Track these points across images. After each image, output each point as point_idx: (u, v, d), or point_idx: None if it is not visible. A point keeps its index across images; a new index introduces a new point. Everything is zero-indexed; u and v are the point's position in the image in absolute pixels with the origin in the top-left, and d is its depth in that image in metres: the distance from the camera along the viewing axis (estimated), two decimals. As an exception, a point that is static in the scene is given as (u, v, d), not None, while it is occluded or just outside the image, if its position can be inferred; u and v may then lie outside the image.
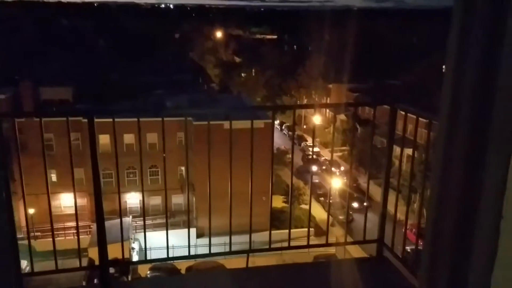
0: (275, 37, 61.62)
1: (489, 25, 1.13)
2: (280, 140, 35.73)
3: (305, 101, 47.49)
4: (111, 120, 3.07)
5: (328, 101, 44.10)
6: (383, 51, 44.49)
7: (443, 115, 1.18)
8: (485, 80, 1.12)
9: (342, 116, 33.43)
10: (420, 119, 3.15)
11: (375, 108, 3.64)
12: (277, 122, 38.56)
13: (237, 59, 55.19)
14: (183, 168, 23.17)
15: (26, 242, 3.14)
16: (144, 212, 8.32)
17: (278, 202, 25.32)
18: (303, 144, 37.49)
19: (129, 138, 20.24)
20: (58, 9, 53.04)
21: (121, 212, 3.38)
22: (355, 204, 24.74)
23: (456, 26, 1.19)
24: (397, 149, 3.55)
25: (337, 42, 39.11)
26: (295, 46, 55.37)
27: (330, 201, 4.07)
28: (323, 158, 32.76)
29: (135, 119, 3.22)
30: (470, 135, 1.14)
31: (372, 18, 47.95)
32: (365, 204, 4.14)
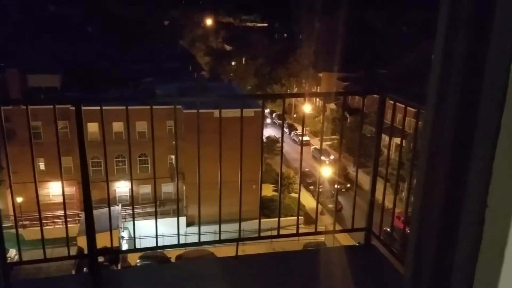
0: (265, 25, 61.25)
1: (477, 14, 1.14)
2: (270, 129, 35.76)
3: (295, 90, 47.47)
4: (99, 108, 3.05)
5: (318, 90, 44.13)
6: (374, 40, 44.52)
7: (430, 104, 1.19)
8: (473, 69, 1.13)
9: (332, 105, 33.53)
10: (409, 108, 3.18)
11: (364, 97, 3.66)
12: (267, 110, 38.51)
13: (228, 47, 54.82)
14: (173, 156, 23.11)
15: (14, 231, 3.12)
16: (133, 201, 8.30)
17: (268, 190, 25.43)
18: (293, 133, 37.59)
19: (118, 126, 20.08)
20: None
21: (109, 201, 3.37)
22: (344, 193, 24.94)
23: (444, 14, 1.20)
24: (386, 138, 3.58)
25: (328, 31, 39.03)
26: (285, 35, 55.13)
27: (320, 189, 4.10)
28: (313, 147, 32.90)
29: (124, 107, 3.20)
30: (456, 124, 1.16)
31: (363, 6, 47.76)
32: (353, 190, 4.18)
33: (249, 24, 62.22)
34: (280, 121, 39.35)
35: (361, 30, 45.07)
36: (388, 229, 3.44)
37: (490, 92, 1.07)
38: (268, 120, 41.15)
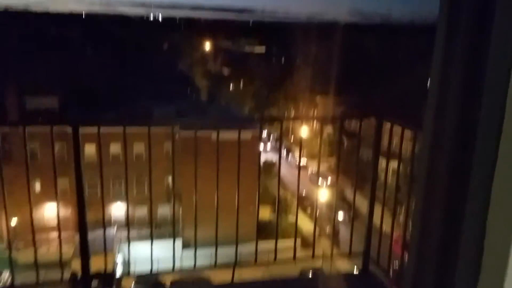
0: (263, 49, 62.04)
1: (473, 39, 1.16)
2: (268, 152, 35.75)
3: (292, 113, 47.74)
4: (97, 129, 3.05)
5: (315, 113, 44.38)
6: (370, 64, 45.11)
7: (427, 127, 1.20)
8: (470, 93, 1.14)
9: (329, 128, 33.65)
10: (406, 131, 3.19)
11: (361, 121, 3.68)
12: (265, 132, 38.64)
13: (226, 70, 55.39)
14: (170, 177, 23.03)
15: (8, 252, 3.07)
16: (128, 225, 8.17)
17: (266, 212, 25.27)
18: (290, 155, 37.58)
19: (115, 147, 20.06)
20: (45, 18, 52.75)
21: (104, 224, 3.34)
22: (341, 216, 24.80)
23: (441, 40, 1.22)
24: (383, 162, 3.58)
25: (325, 56, 39.51)
26: (283, 59, 55.79)
27: (317, 213, 4.07)
28: (310, 170, 32.87)
29: (122, 128, 3.20)
30: (454, 149, 1.16)
31: (359, 33, 48.68)
32: (351, 216, 4.15)
33: (247, 48, 63.02)
34: (280, 140, 39.41)
35: (357, 54, 45.69)
36: (387, 255, 3.41)
37: (487, 117, 1.08)
38: (268, 144, 41.20)
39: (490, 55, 1.08)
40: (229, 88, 49.74)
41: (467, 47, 1.16)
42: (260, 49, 61.48)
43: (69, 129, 2.91)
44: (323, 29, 43.48)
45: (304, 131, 34.84)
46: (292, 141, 43.19)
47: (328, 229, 21.60)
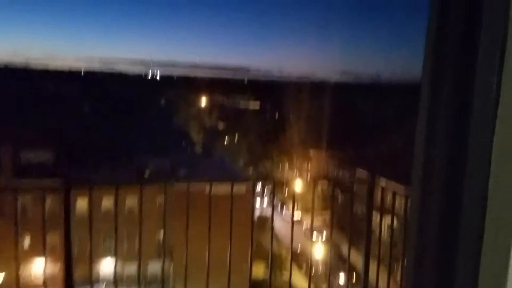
0: (257, 106, 63.32)
1: (456, 96, 1.21)
2: (262, 209, 35.39)
3: (286, 166, 47.92)
4: (90, 185, 3.05)
5: (309, 167, 44.61)
6: (362, 121, 46.06)
7: (415, 184, 1.23)
8: (456, 149, 1.18)
9: (324, 182, 33.60)
10: (399, 186, 3.21)
11: (353, 182, 3.71)
12: (259, 184, 38.45)
13: (221, 125, 56.17)
14: (162, 231, 22.58)
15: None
16: (116, 282, 7.86)
17: (259, 269, 24.61)
18: (284, 210, 37.24)
19: (108, 202, 19.82)
20: (44, 75, 54.00)
21: (92, 281, 3.25)
22: (337, 273, 24.16)
23: (425, 98, 1.27)
24: (379, 217, 3.58)
25: (317, 112, 40.41)
26: (276, 115, 56.81)
27: (312, 270, 3.97)
28: (304, 225, 32.46)
29: (115, 183, 3.20)
30: (442, 205, 1.18)
31: (350, 91, 50.25)
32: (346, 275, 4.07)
33: (242, 104, 64.30)
34: (273, 195, 39.10)
35: (349, 113, 46.74)
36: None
37: (474, 172, 1.11)
38: (262, 198, 40.93)
39: (474, 112, 1.13)
40: (224, 142, 50.25)
41: (451, 105, 1.21)
42: (254, 105, 62.76)
43: (61, 186, 2.91)
44: (315, 87, 44.90)
45: (298, 184, 34.78)
46: (286, 195, 42.97)
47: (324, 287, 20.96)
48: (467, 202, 1.11)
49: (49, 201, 3.09)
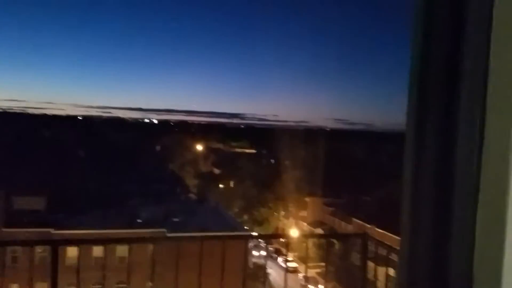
0: (253, 151, 63.57)
1: (440, 146, 1.23)
2: (257, 256, 34.67)
3: (282, 213, 47.50)
4: (80, 231, 3.01)
5: (305, 214, 44.27)
6: (355, 169, 46.28)
7: (404, 236, 1.23)
8: (441, 202, 1.19)
9: (319, 230, 33.24)
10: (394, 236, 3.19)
11: (349, 234, 3.69)
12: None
13: (216, 171, 56.03)
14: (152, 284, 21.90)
15: None
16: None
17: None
18: (280, 259, 36.45)
19: (98, 250, 19.37)
20: (41, 120, 54.44)
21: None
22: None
23: (410, 148, 1.30)
24: (377, 268, 3.52)
25: (312, 159, 40.61)
26: (272, 160, 56.95)
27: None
28: (300, 275, 31.68)
29: (105, 231, 3.16)
30: (431, 257, 1.18)
31: (344, 138, 50.91)
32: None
33: (237, 149, 64.55)
34: (267, 245, 38.37)
35: (344, 159, 47.02)
36: None
37: (459, 235, 1.11)
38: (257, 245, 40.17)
39: (457, 160, 1.15)
40: (219, 188, 49.95)
41: (435, 154, 1.23)
42: (250, 150, 63.05)
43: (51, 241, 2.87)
44: (310, 133, 45.46)
45: (293, 233, 34.29)
46: (282, 243, 42.21)
47: None
48: (454, 258, 1.11)
49: (39, 250, 3.03)
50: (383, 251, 3.32)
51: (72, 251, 6.42)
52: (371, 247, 3.47)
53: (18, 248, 20.28)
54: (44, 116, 55.41)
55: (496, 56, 1.11)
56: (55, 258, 2.82)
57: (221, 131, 63.59)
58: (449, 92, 1.20)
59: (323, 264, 30.86)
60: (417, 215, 1.23)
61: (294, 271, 32.56)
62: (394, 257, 3.32)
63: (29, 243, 2.90)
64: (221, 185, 50.46)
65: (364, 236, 3.48)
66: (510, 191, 1.03)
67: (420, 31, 1.22)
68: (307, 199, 44.33)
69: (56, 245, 2.86)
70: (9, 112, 53.18)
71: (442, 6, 1.16)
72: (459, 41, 1.13)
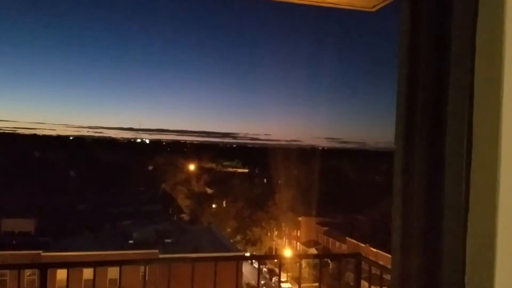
0: (246, 170, 63.48)
1: (429, 161, 1.25)
2: (250, 275, 34.32)
3: (275, 233, 47.18)
4: (70, 253, 2.97)
5: (298, 234, 44.02)
6: (348, 187, 46.34)
7: (395, 257, 1.23)
8: (431, 221, 1.19)
9: (313, 250, 33.02)
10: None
11: (342, 254, 3.68)
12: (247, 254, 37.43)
13: (209, 190, 55.71)
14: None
15: None
16: None
17: None
18: (274, 279, 36.04)
19: (88, 273, 19.04)
20: (31, 141, 54.11)
21: None
22: None
23: (399, 165, 1.31)
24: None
25: (305, 178, 40.60)
26: (265, 180, 56.86)
27: None
28: (295, 295, 31.30)
29: (95, 253, 3.12)
30: (422, 277, 1.18)
31: (337, 157, 51.12)
32: None
33: (230, 169, 64.43)
34: (261, 266, 37.97)
35: (337, 178, 47.10)
36: None
37: (450, 250, 1.12)
38: (248, 265, 39.77)
39: (446, 177, 1.16)
40: (212, 208, 49.57)
41: (424, 170, 1.24)
42: (242, 170, 62.96)
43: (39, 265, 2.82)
44: (302, 152, 45.66)
45: (287, 253, 34.01)
46: (275, 263, 41.81)
47: None
48: (446, 276, 1.11)
49: (28, 272, 2.98)
50: (377, 271, 3.31)
51: (61, 274, 6.30)
52: (365, 266, 3.46)
53: (7, 271, 19.88)
54: (35, 136, 55.10)
55: (479, 72, 1.14)
56: (44, 281, 2.77)
57: (213, 150, 63.64)
58: (435, 111, 1.23)
59: (317, 284, 30.58)
60: (408, 234, 1.23)
61: (288, 291, 32.17)
62: (388, 276, 3.30)
63: (18, 267, 2.85)
64: (213, 205, 50.09)
65: (357, 256, 3.47)
66: (499, 209, 1.04)
67: (405, 54, 1.25)
68: (300, 218, 44.12)
69: (45, 268, 2.81)
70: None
71: (426, 30, 1.20)
72: (444, 63, 1.16)
